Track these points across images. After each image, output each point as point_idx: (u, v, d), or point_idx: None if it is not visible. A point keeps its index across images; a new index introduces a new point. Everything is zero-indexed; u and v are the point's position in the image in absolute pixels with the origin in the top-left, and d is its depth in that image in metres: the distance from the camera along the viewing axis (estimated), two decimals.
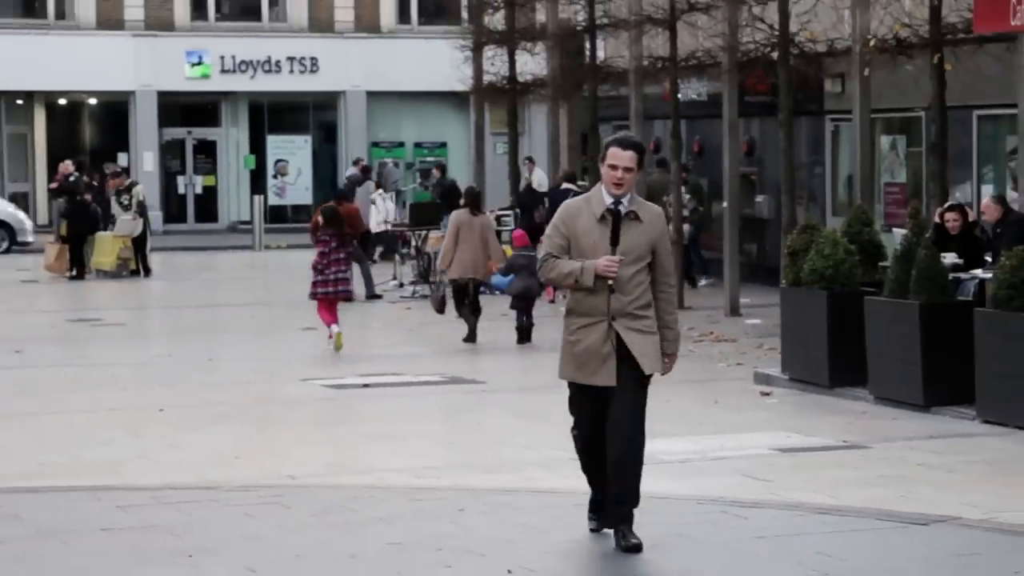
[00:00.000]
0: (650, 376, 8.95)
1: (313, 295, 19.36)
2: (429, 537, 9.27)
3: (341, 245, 19.54)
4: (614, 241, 8.74)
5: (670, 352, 9.04)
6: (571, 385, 9.02)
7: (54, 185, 35.60)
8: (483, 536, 9.29)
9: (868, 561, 8.74)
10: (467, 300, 19.87)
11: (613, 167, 8.79)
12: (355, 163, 35.82)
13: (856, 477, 11.57)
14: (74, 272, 30.53)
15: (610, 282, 8.72)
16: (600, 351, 8.77)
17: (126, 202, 31.31)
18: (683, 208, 25.41)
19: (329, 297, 19.30)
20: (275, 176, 44.54)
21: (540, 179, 33.96)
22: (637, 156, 8.85)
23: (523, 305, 19.90)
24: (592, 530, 9.17)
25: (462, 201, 21.22)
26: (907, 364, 14.52)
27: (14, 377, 17.60)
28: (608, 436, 8.87)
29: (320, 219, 20.08)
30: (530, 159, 36.44)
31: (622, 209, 8.81)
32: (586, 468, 9.21)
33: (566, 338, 8.91)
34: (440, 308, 20.59)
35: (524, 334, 19.81)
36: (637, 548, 8.71)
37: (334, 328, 19.10)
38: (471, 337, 19.91)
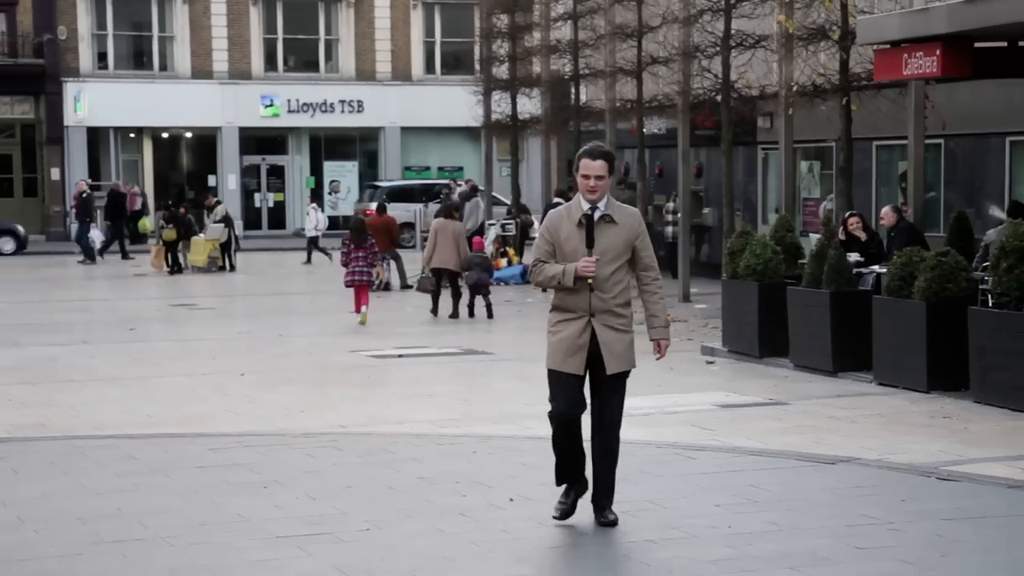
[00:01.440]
0: (626, 372, 7.77)
1: (346, 284, 20.22)
2: (450, 473, 9.31)
3: (359, 247, 20.08)
4: (589, 243, 7.67)
5: (657, 337, 7.86)
6: (550, 372, 7.82)
7: (74, 203, 35.69)
8: (491, 472, 9.33)
9: (788, 491, 8.78)
10: (445, 285, 20.76)
11: (586, 176, 7.72)
12: (465, 182, 35.73)
13: (779, 427, 11.60)
14: (171, 268, 30.66)
15: (589, 281, 7.62)
16: (575, 342, 7.67)
17: (215, 217, 31.72)
18: (668, 214, 25.50)
19: (355, 285, 19.97)
20: (330, 193, 44.58)
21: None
22: (607, 164, 7.75)
23: (478, 291, 20.71)
24: (556, 517, 7.84)
25: (442, 210, 22.28)
26: (820, 339, 14.55)
27: (129, 349, 17.66)
28: (592, 425, 7.82)
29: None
30: (453, 180, 37.02)
31: (596, 214, 7.70)
32: (560, 445, 7.85)
33: (548, 330, 7.82)
34: (427, 289, 21.30)
35: (489, 313, 20.62)
36: (613, 523, 7.76)
37: (363, 309, 19.84)
38: (454, 314, 20.71)
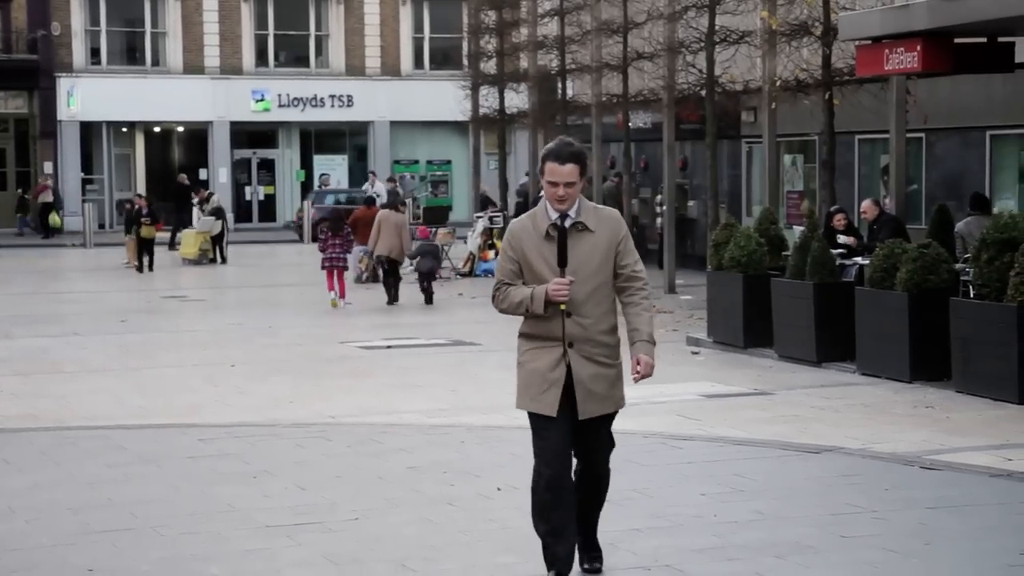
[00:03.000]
0: (611, 415, 6.34)
1: (322, 267, 21.35)
2: (438, 462, 9.26)
3: (335, 235, 21.20)
4: (561, 261, 6.12)
5: (638, 353, 6.21)
6: (529, 414, 6.29)
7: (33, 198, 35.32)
8: (479, 461, 9.29)
9: (773, 480, 8.75)
10: (389, 272, 21.59)
11: (553, 184, 6.14)
12: (389, 180, 35.84)
13: (764, 416, 11.57)
14: (139, 265, 28.78)
15: (562, 307, 6.11)
16: (547, 375, 6.16)
17: (206, 209, 31.43)
18: (658, 207, 25.47)
19: (329, 268, 21.05)
20: (320, 187, 44.50)
21: (379, 191, 34.99)
22: (578, 168, 6.14)
23: (426, 277, 21.71)
24: None
25: (383, 202, 24.07)
26: (803, 330, 14.52)
27: (120, 340, 17.58)
28: (576, 472, 6.39)
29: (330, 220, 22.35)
30: (373, 173, 37.12)
31: (568, 223, 6.17)
32: (545, 516, 6.25)
33: (518, 361, 6.33)
34: (374, 278, 22.44)
35: (428, 297, 21.61)
36: (598, 571, 6.56)
37: (332, 294, 20.99)
38: (393, 300, 21.46)
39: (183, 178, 38.24)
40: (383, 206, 22.92)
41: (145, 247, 28.70)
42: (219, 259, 31.01)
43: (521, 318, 6.29)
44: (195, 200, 32.82)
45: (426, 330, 18.32)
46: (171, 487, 8.62)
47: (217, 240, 31.02)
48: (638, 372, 6.22)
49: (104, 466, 9.25)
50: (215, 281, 27.58)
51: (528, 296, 6.18)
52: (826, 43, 18.44)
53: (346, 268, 21.64)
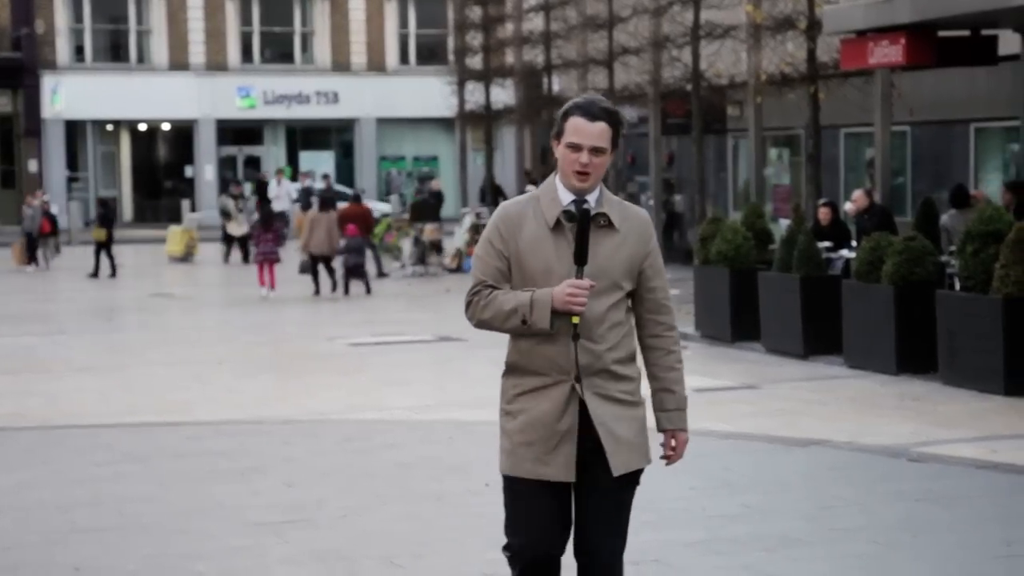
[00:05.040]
0: (638, 473, 4.61)
1: (255, 261, 22.62)
2: (426, 458, 9.26)
3: (266, 231, 22.35)
4: (580, 258, 4.42)
5: (671, 427, 4.66)
6: (507, 480, 4.60)
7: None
8: (467, 457, 9.28)
9: (761, 474, 8.76)
10: (323, 267, 22.42)
11: (575, 147, 4.45)
12: (324, 177, 35.46)
13: (752, 410, 11.59)
14: (94, 272, 27.21)
15: (575, 320, 4.41)
16: (554, 427, 4.47)
17: (240, 206, 30.51)
18: (651, 201, 25.49)
19: (261, 262, 22.10)
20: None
21: (285, 191, 34.84)
22: (611, 131, 4.48)
23: (354, 273, 22.51)
24: None
25: (318, 201, 24.12)
26: (790, 323, 14.54)
27: (107, 338, 17.55)
28: (579, 564, 4.61)
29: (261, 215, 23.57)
30: (280, 171, 36.92)
31: (589, 208, 4.47)
32: None
33: (503, 408, 4.60)
34: (305, 271, 22.95)
35: (367, 289, 22.54)
36: None
37: (263, 289, 21.98)
38: (318, 293, 22.43)
39: (264, 175, 38.12)
40: (320, 207, 23.33)
41: (99, 249, 27.06)
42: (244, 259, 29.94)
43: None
44: (232, 195, 31.67)
45: (413, 326, 18.31)
46: (159, 485, 8.60)
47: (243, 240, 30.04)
48: (672, 453, 4.68)
49: (91, 464, 9.23)
50: (201, 279, 27.52)
51: (526, 302, 4.43)
52: (811, 37, 18.49)
53: (278, 261, 22.45)
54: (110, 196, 43.20)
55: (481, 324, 4.59)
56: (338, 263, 22.65)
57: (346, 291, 22.58)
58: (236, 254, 30.30)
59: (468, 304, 4.59)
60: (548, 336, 4.46)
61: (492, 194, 31.57)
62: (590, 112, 4.49)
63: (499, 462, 4.61)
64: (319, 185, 34.09)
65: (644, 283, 4.62)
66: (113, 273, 26.92)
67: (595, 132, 4.47)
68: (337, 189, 35.43)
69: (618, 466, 4.50)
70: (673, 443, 4.69)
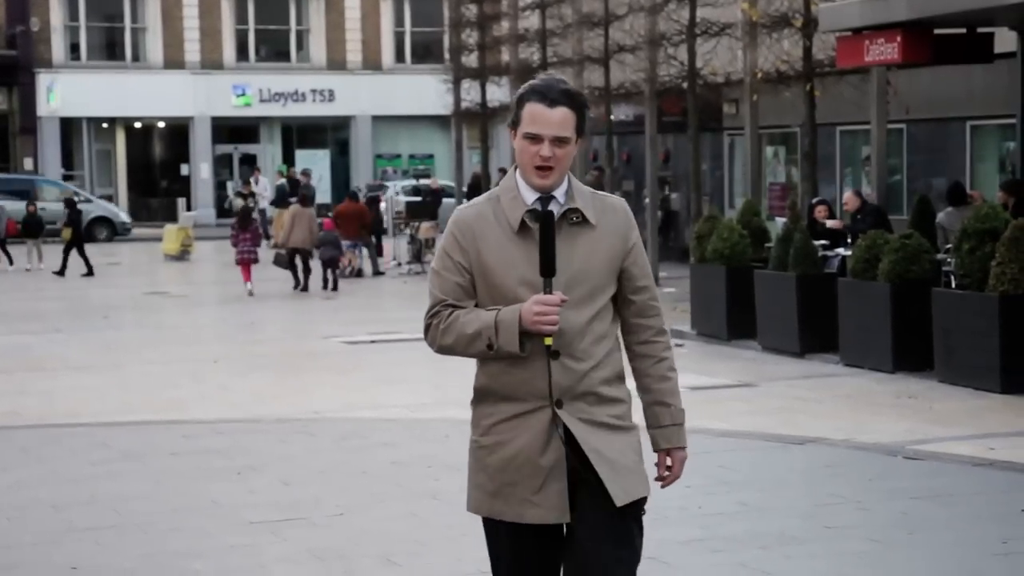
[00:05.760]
0: (639, 504, 3.95)
1: (236, 262, 22.83)
2: (422, 457, 9.26)
3: (244, 230, 22.74)
4: (547, 268, 3.79)
5: (668, 446, 4.07)
6: (488, 523, 4.05)
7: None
8: (464, 456, 9.21)
9: (757, 472, 8.76)
10: (301, 262, 22.92)
11: (533, 138, 3.84)
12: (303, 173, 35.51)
13: (748, 408, 11.60)
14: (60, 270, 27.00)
15: (547, 341, 3.80)
16: (537, 462, 3.87)
17: (251, 204, 30.35)
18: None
19: (242, 262, 22.46)
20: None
21: (263, 187, 35.35)
22: (574, 116, 3.88)
23: (330, 266, 23.01)
24: None
25: (297, 198, 24.94)
26: (786, 321, 14.55)
27: (102, 337, 17.53)
28: None
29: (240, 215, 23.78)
30: (257, 169, 37.01)
31: (555, 208, 3.87)
32: None
33: (475, 440, 4.10)
34: (283, 265, 23.37)
35: (334, 285, 22.98)
36: None
37: (248, 285, 22.34)
38: (298, 286, 22.92)
39: (293, 172, 38.25)
40: (301, 202, 24.00)
41: (68, 249, 26.88)
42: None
43: (474, 364, 4.02)
44: (240, 191, 31.43)
45: (409, 324, 18.28)
46: (155, 483, 8.60)
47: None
48: (668, 474, 4.09)
49: (87, 463, 9.22)
50: (197, 277, 27.50)
51: (490, 323, 3.82)
52: (807, 35, 18.48)
53: (256, 261, 22.84)
54: (106, 194, 43.29)
55: (443, 350, 3.98)
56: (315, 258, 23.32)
57: (335, 287, 22.90)
58: None
59: (427, 328, 3.99)
60: (517, 358, 3.83)
61: (477, 192, 31.55)
62: (548, 96, 3.85)
63: (471, 501, 4.01)
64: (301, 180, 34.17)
65: (628, 284, 3.99)
66: (89, 272, 26.65)
67: (556, 120, 3.84)
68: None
69: (619, 494, 3.84)
70: (669, 462, 4.08)
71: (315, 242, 23.17)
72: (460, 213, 3.99)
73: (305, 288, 22.94)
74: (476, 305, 3.93)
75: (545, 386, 3.85)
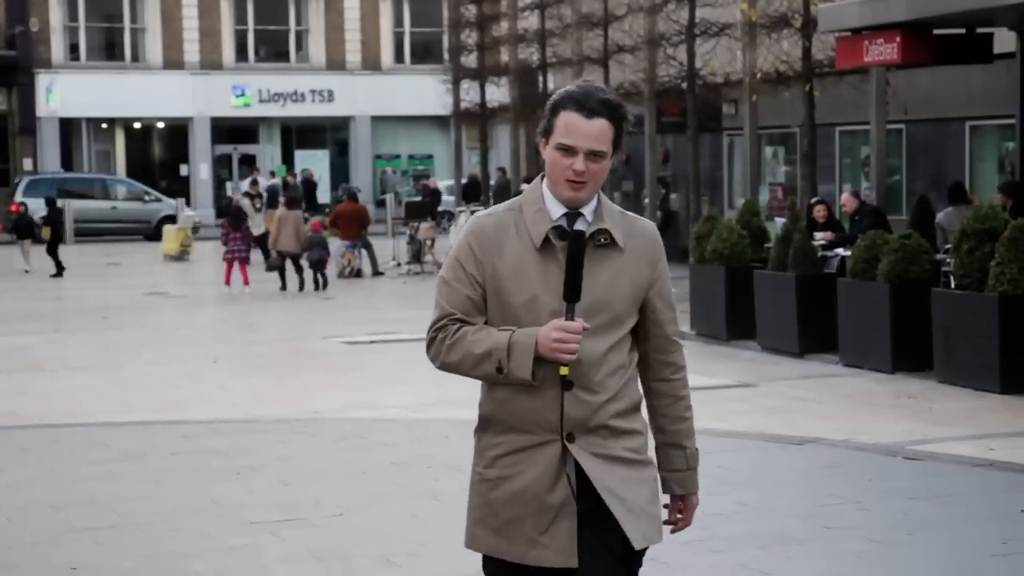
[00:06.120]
0: (643, 550, 3.67)
1: (224, 258, 23.15)
2: (422, 457, 9.25)
3: (235, 230, 23.00)
4: (571, 293, 3.48)
5: (682, 492, 3.85)
6: (488, 561, 3.75)
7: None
8: (463, 456, 9.19)
9: (757, 472, 8.76)
10: (292, 264, 23.12)
11: (567, 149, 3.54)
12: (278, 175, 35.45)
13: (748, 408, 11.59)
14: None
15: (563, 372, 3.51)
16: (544, 500, 3.58)
17: (258, 205, 30.10)
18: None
19: (230, 260, 22.81)
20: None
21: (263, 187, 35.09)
22: (613, 129, 3.55)
23: (318, 267, 23.14)
24: None
25: (283, 200, 25.30)
26: (786, 321, 14.55)
27: (101, 337, 17.52)
28: None
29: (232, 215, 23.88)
30: (256, 170, 37.04)
31: (583, 227, 3.58)
32: None
33: (478, 473, 3.76)
34: (274, 267, 23.67)
35: (324, 284, 23.20)
36: None
37: (226, 288, 22.69)
38: (284, 288, 23.09)
39: (308, 172, 38.28)
40: (287, 205, 24.14)
41: (49, 249, 26.69)
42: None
43: (478, 389, 3.71)
44: (249, 194, 31.29)
45: (408, 325, 18.29)
46: (154, 484, 8.59)
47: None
48: (679, 521, 3.87)
49: (86, 463, 9.22)
50: (197, 277, 27.49)
51: (503, 345, 3.51)
52: (806, 35, 18.49)
53: (247, 260, 23.05)
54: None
55: (446, 367, 3.64)
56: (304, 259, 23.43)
57: (325, 285, 23.12)
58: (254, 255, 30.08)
59: (430, 342, 3.66)
60: (528, 386, 3.52)
61: (478, 192, 31.59)
62: (586, 106, 3.53)
63: (471, 537, 3.74)
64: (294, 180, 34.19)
65: (650, 315, 3.71)
66: (58, 272, 26.49)
67: (593, 132, 3.52)
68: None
69: (638, 537, 3.58)
70: (681, 507, 3.84)
71: (303, 244, 23.20)
72: (479, 221, 3.66)
73: (300, 288, 23.02)
74: (486, 323, 3.61)
75: (556, 418, 3.54)
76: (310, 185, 38.22)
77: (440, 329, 3.64)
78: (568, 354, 3.46)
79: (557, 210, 3.58)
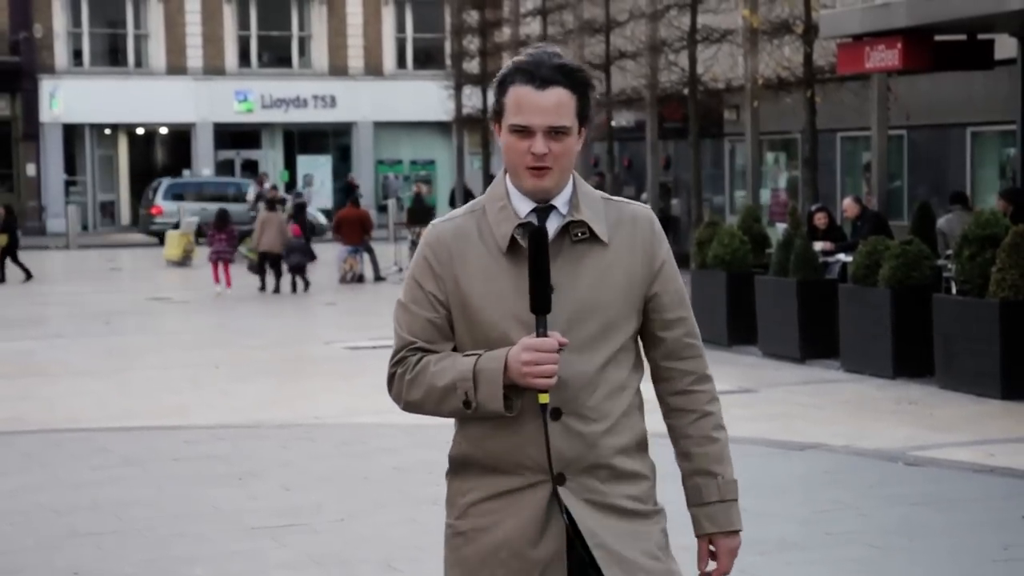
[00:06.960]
0: None
1: (209, 259, 23.54)
2: (423, 462, 9.23)
3: (220, 232, 23.28)
4: (538, 304, 2.82)
5: (713, 531, 3.33)
6: None
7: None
8: None
9: (757, 478, 8.74)
10: (270, 265, 23.62)
11: (522, 130, 2.87)
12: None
13: (749, 414, 11.56)
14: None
15: (543, 398, 2.84)
16: (527, 555, 2.94)
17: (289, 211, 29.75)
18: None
19: (214, 262, 23.13)
20: (304, 186, 44.49)
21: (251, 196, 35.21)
22: (575, 98, 2.88)
23: (297, 271, 23.62)
24: None
25: (264, 204, 25.30)
26: (787, 327, 14.54)
27: (104, 342, 17.52)
28: None
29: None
30: (265, 174, 37.11)
31: (556, 220, 2.94)
32: None
33: (450, 525, 3.16)
34: (253, 269, 24.33)
35: (305, 287, 23.67)
36: None
37: (218, 287, 23.11)
38: (264, 289, 23.75)
39: (352, 177, 38.11)
40: (268, 207, 24.57)
41: (3, 256, 26.41)
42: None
43: (450, 426, 3.11)
44: (258, 194, 31.08)
45: None
46: (156, 489, 8.59)
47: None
48: (713, 571, 3.33)
49: (89, 468, 9.22)
50: (199, 282, 27.50)
51: (467, 373, 2.90)
52: (807, 41, 18.49)
53: (231, 261, 23.45)
54: (108, 199, 43.35)
55: (410, 407, 3.05)
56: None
57: (306, 288, 23.61)
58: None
59: (390, 379, 3.09)
60: (505, 418, 2.89)
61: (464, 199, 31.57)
62: (538, 75, 2.86)
63: None
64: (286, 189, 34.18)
65: (657, 316, 3.03)
66: (28, 277, 26.25)
67: (549, 105, 2.86)
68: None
69: None
70: (713, 550, 3.23)
71: (285, 245, 23.54)
72: (434, 229, 3.03)
73: (276, 290, 23.51)
74: (454, 349, 2.99)
75: (542, 456, 2.88)
76: (352, 189, 36.74)
77: (399, 363, 3.06)
78: (543, 377, 2.82)
79: (525, 206, 2.94)
